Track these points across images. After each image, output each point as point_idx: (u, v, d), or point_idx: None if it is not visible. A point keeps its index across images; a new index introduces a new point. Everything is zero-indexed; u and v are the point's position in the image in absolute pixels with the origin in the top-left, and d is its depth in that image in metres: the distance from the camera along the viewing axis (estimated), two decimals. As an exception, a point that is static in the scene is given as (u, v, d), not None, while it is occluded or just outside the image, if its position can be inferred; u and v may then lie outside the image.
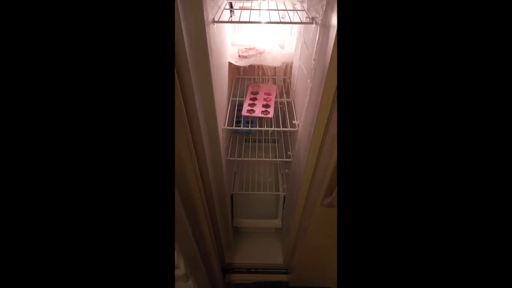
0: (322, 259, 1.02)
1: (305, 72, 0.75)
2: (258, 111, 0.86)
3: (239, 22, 0.71)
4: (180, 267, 0.65)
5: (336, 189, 0.65)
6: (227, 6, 0.80)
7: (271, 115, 0.86)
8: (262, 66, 0.98)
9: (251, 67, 0.98)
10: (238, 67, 0.98)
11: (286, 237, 1.12)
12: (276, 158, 1.06)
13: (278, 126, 0.85)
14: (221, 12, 0.72)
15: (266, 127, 0.88)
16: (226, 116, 0.86)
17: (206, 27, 0.54)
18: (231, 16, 0.83)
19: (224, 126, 0.82)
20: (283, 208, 1.12)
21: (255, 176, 1.18)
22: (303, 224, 0.90)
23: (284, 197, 1.11)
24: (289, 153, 0.95)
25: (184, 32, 0.49)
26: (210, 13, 0.59)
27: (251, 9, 0.82)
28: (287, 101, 0.96)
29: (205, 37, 0.54)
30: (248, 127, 0.91)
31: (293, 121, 0.84)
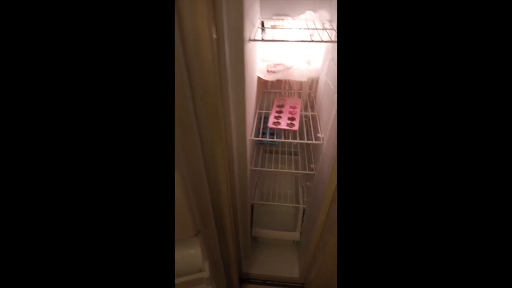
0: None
1: (332, 87, 0.78)
2: (283, 124, 0.89)
3: (272, 40, 0.76)
4: (205, 270, 0.67)
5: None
6: (260, 25, 0.85)
7: (296, 127, 0.88)
8: (288, 81, 1.02)
9: (278, 81, 1.02)
10: (265, 81, 1.03)
11: (304, 251, 1.12)
12: (299, 170, 1.08)
13: (302, 139, 0.88)
14: (255, 30, 0.77)
15: (290, 139, 0.90)
16: (253, 128, 0.90)
17: (244, 46, 0.58)
18: (262, 34, 0.88)
19: (251, 137, 0.86)
20: (303, 221, 1.13)
21: (276, 187, 1.20)
22: (323, 238, 0.90)
23: (304, 210, 1.11)
24: (311, 166, 0.97)
25: (226, 50, 0.54)
26: (247, 32, 0.64)
27: (281, 28, 0.87)
28: (311, 115, 0.98)
29: (243, 55, 0.59)
30: (273, 138, 0.94)
31: (318, 134, 0.87)
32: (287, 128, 0.88)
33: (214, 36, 0.45)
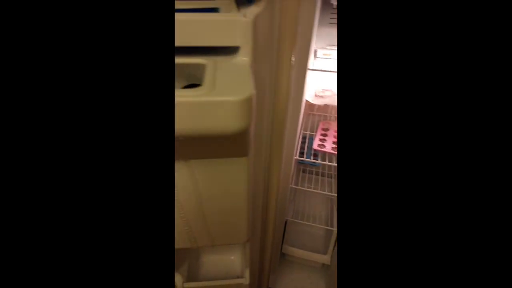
0: None
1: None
2: (328, 147, 0.93)
3: (329, 71, 0.82)
4: (245, 277, 0.71)
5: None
6: (313, 54, 0.92)
7: (340, 152, 0.92)
8: (335, 107, 1.06)
9: (325, 105, 1.07)
10: (312, 104, 1.08)
11: (333, 277, 1.11)
12: (334, 193, 1.09)
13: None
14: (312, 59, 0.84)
15: (334, 162, 0.93)
16: (297, 147, 0.95)
17: (306, 73, 0.65)
18: (314, 61, 0.95)
19: (296, 156, 0.91)
20: (335, 245, 1.12)
21: (310, 207, 1.22)
22: None
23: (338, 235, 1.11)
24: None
25: (293, 76, 0.60)
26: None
27: (331, 57, 0.93)
28: (355, 141, 1.01)
29: (304, 82, 0.65)
30: (316, 159, 0.98)
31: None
32: (332, 152, 0.92)
33: (292, 60, 0.51)
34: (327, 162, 0.94)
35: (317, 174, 1.28)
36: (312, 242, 1.28)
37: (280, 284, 1.24)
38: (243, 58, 0.36)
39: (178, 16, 0.33)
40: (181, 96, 0.27)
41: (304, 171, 1.28)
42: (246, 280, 0.70)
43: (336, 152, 0.91)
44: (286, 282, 1.25)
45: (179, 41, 0.34)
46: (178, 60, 0.35)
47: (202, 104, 0.28)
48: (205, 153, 0.41)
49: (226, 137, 0.33)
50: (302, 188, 1.03)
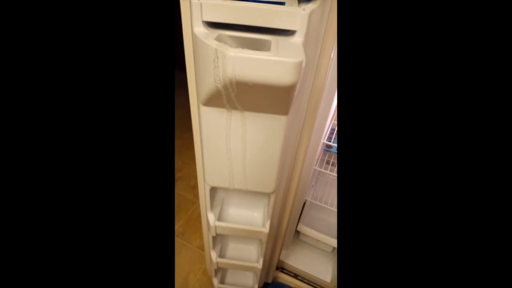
0: None
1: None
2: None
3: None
4: (266, 227, 0.85)
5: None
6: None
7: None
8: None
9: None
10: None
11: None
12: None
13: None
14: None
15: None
16: (326, 133, 1.06)
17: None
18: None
19: (324, 140, 1.03)
20: (347, 230, 1.22)
21: (329, 193, 1.32)
22: None
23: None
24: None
25: (329, 68, 0.73)
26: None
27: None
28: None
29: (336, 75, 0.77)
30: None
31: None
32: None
33: (333, 54, 0.64)
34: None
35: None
36: (326, 226, 1.38)
37: (290, 259, 1.37)
38: (297, 39, 0.50)
39: (254, 5, 0.48)
40: (257, 54, 0.42)
41: (328, 163, 1.38)
42: (266, 230, 0.85)
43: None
44: (296, 259, 1.37)
45: (254, 22, 0.49)
46: (251, 35, 0.51)
47: (269, 61, 0.42)
48: (258, 106, 0.56)
49: (279, 89, 0.47)
50: (325, 171, 1.14)
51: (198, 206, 1.20)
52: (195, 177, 1.64)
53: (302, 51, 0.46)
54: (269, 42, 0.49)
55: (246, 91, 0.49)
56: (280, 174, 0.74)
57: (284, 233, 1.05)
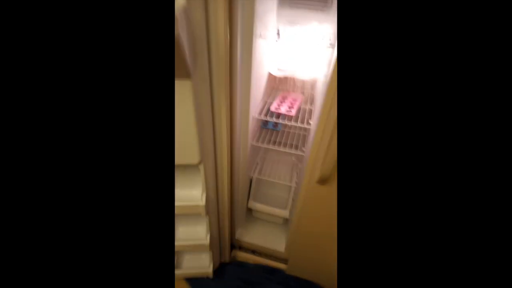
0: (318, 255, 1.17)
1: (322, 85, 0.98)
2: (283, 110, 1.11)
3: (279, 40, 1.00)
4: (203, 200, 0.89)
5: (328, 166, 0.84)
6: (276, 31, 1.10)
7: (293, 114, 1.10)
8: (294, 79, 1.24)
9: (286, 79, 1.25)
10: (275, 79, 1.26)
11: (289, 231, 1.30)
12: (292, 150, 1.27)
13: (296, 122, 1.09)
14: (270, 33, 1.01)
15: (292, 122, 1.11)
16: (261, 111, 1.13)
17: (254, 40, 0.82)
18: (277, 38, 1.13)
19: (256, 115, 1.09)
20: (292, 199, 1.31)
21: (274, 168, 1.40)
22: (302, 217, 1.08)
23: (295, 190, 1.30)
24: (303, 148, 1.17)
25: (239, 40, 0.78)
26: (259, 30, 0.88)
27: (293, 34, 1.11)
28: (309, 108, 1.19)
29: (251, 47, 0.83)
30: (273, 121, 1.16)
31: (309, 121, 1.07)
32: (286, 113, 1.10)
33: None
34: (284, 121, 1.11)
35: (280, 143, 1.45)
36: (276, 200, 1.46)
37: (246, 236, 1.42)
38: None
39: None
40: None
41: (274, 143, 1.46)
42: (202, 202, 0.88)
43: (288, 113, 1.10)
44: (252, 235, 1.43)
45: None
46: None
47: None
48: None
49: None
50: (262, 144, 1.20)
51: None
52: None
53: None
54: None
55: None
56: (203, 144, 0.77)
57: (229, 207, 1.10)
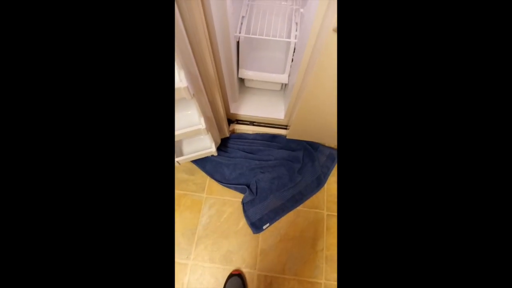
0: (319, 118, 1.06)
1: None
2: None
3: None
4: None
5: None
6: None
7: None
8: None
9: None
10: None
11: (289, 94, 1.13)
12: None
13: None
14: None
15: None
16: None
17: None
18: None
19: None
20: (292, 60, 1.07)
21: (266, 23, 1.07)
22: (305, 80, 0.88)
23: (295, 48, 1.03)
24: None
25: None
26: None
27: None
28: None
29: None
30: None
31: None
32: None
33: None
34: None
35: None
36: (269, 63, 1.23)
37: (242, 109, 1.29)
38: None
39: None
40: None
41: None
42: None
43: None
44: (249, 107, 1.30)
45: None
46: None
47: None
48: None
49: None
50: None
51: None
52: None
53: None
54: None
55: None
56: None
57: (217, 81, 0.89)
